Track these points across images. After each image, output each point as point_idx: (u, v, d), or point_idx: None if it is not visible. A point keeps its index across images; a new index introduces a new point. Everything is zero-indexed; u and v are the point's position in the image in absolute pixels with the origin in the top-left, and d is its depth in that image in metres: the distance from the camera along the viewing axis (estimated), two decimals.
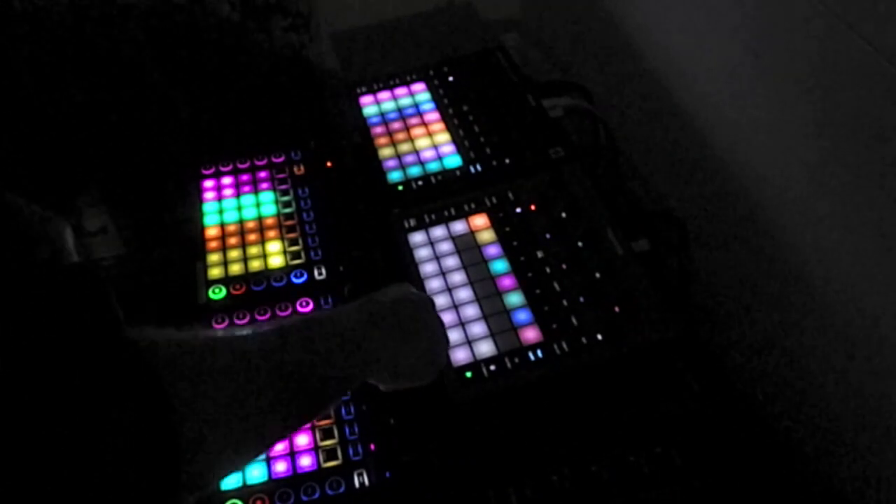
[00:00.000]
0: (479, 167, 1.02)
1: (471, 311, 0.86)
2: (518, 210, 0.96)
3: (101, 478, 0.41)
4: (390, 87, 1.16)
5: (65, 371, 0.42)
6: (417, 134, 1.08)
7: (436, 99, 1.13)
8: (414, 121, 1.10)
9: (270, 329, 0.58)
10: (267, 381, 0.54)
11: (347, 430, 0.80)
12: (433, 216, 0.97)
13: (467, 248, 0.93)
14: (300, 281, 0.94)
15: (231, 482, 0.77)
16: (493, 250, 0.92)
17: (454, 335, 0.84)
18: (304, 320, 0.64)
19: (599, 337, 0.82)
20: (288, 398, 0.56)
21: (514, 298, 0.87)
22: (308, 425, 0.81)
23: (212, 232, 1.01)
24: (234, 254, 0.98)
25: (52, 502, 0.39)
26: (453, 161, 1.03)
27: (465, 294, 0.88)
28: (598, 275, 0.87)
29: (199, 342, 0.53)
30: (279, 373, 0.55)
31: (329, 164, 1.09)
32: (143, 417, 0.44)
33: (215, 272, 0.96)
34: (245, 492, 0.76)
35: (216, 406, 0.49)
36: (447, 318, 0.85)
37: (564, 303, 0.85)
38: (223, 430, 0.50)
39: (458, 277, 0.90)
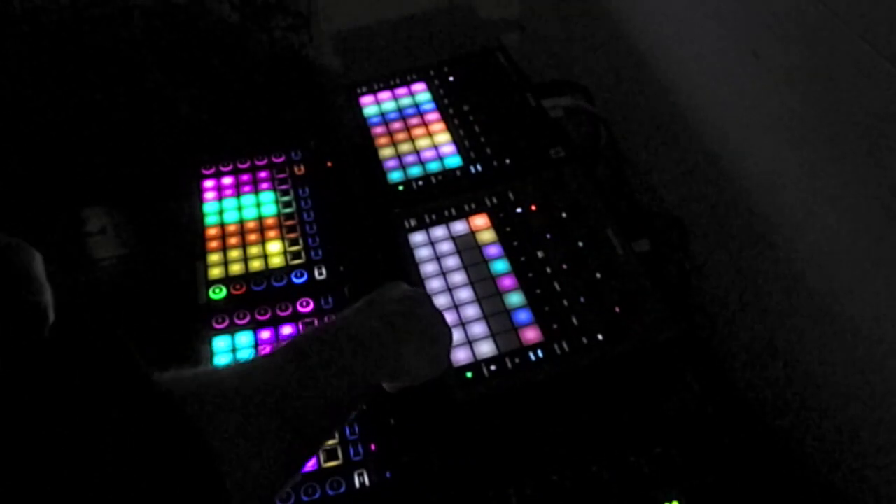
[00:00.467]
0: (479, 167, 1.02)
1: (471, 311, 0.86)
2: (518, 210, 0.96)
3: None
4: (390, 87, 1.16)
5: (99, 428, 0.41)
6: (417, 134, 1.08)
7: (436, 99, 1.13)
8: (414, 121, 1.10)
9: (288, 351, 0.58)
10: (294, 408, 0.54)
11: (347, 430, 0.80)
12: (433, 216, 0.97)
13: (468, 248, 0.93)
14: (300, 281, 0.94)
15: None
16: (493, 250, 0.92)
17: (455, 335, 0.84)
18: (317, 338, 0.63)
19: (599, 337, 0.82)
20: (313, 419, 0.56)
21: (515, 298, 0.87)
22: None
23: (212, 232, 1.01)
24: (234, 254, 0.98)
25: None
26: (453, 161, 1.03)
27: (465, 294, 0.88)
28: (598, 275, 0.87)
29: (220, 380, 0.53)
30: (304, 397, 0.56)
31: (329, 164, 1.09)
32: (186, 466, 0.44)
33: (215, 272, 0.96)
34: None
35: (245, 443, 0.49)
36: (448, 318, 0.85)
37: (565, 303, 0.85)
38: (254, 464, 0.50)
39: (458, 277, 0.90)
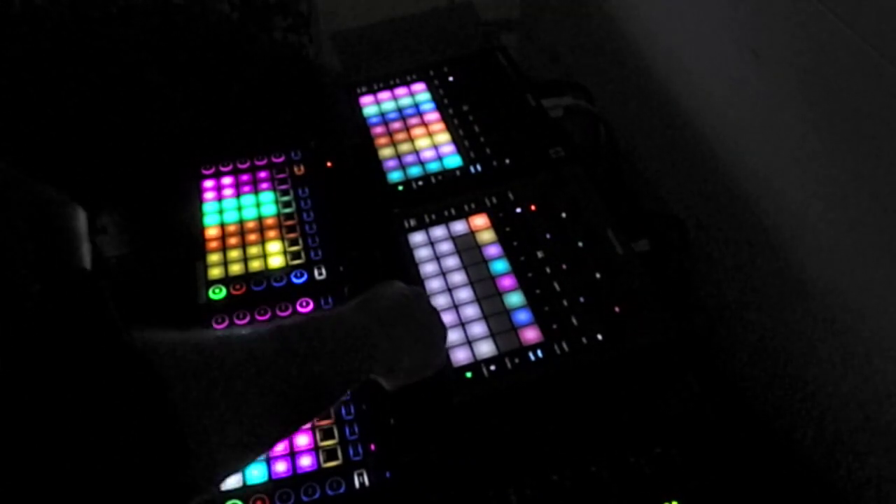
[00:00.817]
0: (479, 167, 1.02)
1: (471, 311, 0.86)
2: (518, 210, 0.96)
3: (105, 482, 0.41)
4: (390, 87, 1.16)
5: (64, 377, 0.41)
6: (417, 134, 1.08)
7: (436, 99, 1.13)
8: (414, 121, 1.10)
9: (272, 329, 0.58)
10: (271, 381, 0.54)
11: (347, 430, 0.80)
12: (433, 216, 0.97)
13: (467, 248, 0.93)
14: (300, 281, 0.94)
15: (231, 482, 0.77)
16: (493, 250, 0.92)
17: (454, 335, 0.84)
18: (305, 321, 0.64)
19: (599, 337, 0.82)
20: (292, 398, 0.56)
21: (515, 298, 0.87)
22: (308, 425, 0.81)
23: (212, 232, 1.01)
24: (234, 254, 0.98)
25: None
26: (453, 161, 1.03)
27: (465, 294, 0.88)
28: (598, 275, 0.87)
29: (202, 343, 0.53)
30: (283, 373, 0.55)
31: (329, 164, 1.09)
32: (146, 420, 0.43)
33: (215, 272, 0.96)
34: (245, 492, 0.76)
35: (219, 407, 0.49)
36: (447, 318, 0.85)
37: (564, 303, 0.85)
38: (227, 431, 0.49)
39: (458, 277, 0.90)
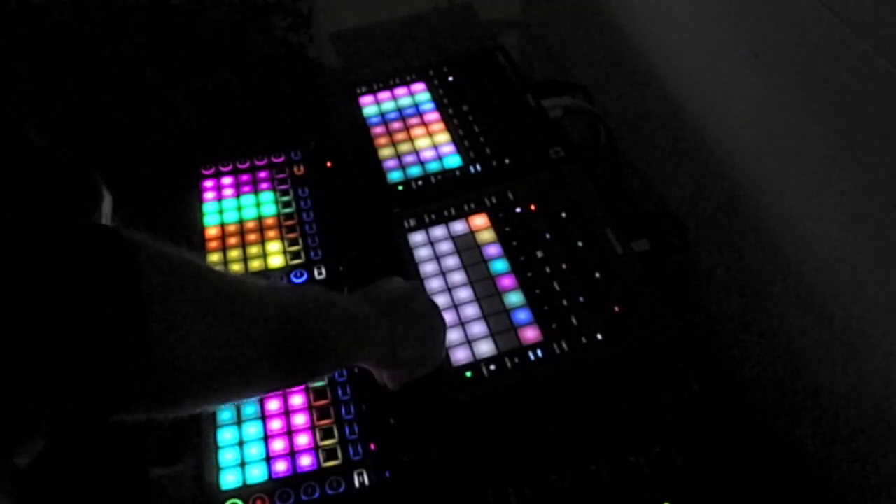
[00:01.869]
0: (479, 167, 1.02)
1: (471, 310, 0.86)
2: (518, 210, 0.96)
3: (60, 338, 0.41)
4: (390, 87, 1.16)
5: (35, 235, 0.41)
6: (417, 134, 1.08)
7: (436, 99, 1.13)
8: (414, 121, 1.10)
9: (268, 283, 0.58)
10: (252, 318, 0.53)
11: (347, 430, 0.80)
12: (433, 216, 0.97)
13: (467, 248, 0.93)
14: (300, 281, 0.94)
15: (231, 482, 0.77)
16: (493, 250, 0.92)
17: (454, 335, 0.84)
18: (303, 295, 0.64)
19: (599, 337, 0.82)
20: (273, 346, 0.55)
21: (514, 298, 0.87)
22: (308, 424, 0.81)
23: (212, 232, 1.01)
24: (234, 254, 0.98)
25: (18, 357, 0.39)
26: (453, 161, 1.03)
27: (465, 294, 0.88)
28: (598, 275, 0.87)
29: (201, 263, 0.53)
30: (267, 317, 0.55)
31: (329, 164, 1.09)
32: (110, 294, 0.43)
33: None
34: (245, 492, 0.76)
35: (191, 312, 0.49)
36: (447, 318, 0.85)
37: (564, 303, 0.85)
38: (193, 339, 0.48)
39: (458, 277, 0.90)
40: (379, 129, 1.10)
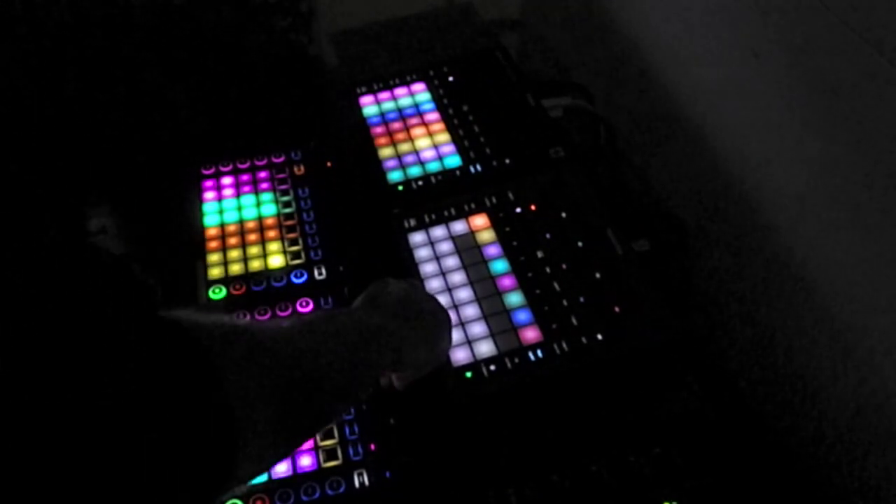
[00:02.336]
0: (479, 167, 1.02)
1: (471, 311, 0.86)
2: (518, 210, 0.96)
3: (153, 474, 0.39)
4: (390, 87, 1.16)
5: (110, 358, 0.39)
6: (417, 134, 1.08)
7: (436, 99, 1.13)
8: (414, 121, 1.10)
9: (298, 324, 0.58)
10: (305, 374, 0.53)
11: (347, 430, 0.80)
12: (433, 216, 0.97)
13: (467, 248, 0.93)
14: (300, 281, 0.94)
15: None
16: (493, 250, 0.92)
17: (454, 335, 0.84)
18: (326, 316, 0.64)
19: (599, 337, 0.82)
20: (325, 391, 0.55)
21: (514, 298, 0.87)
22: None
23: (212, 232, 1.01)
24: (234, 254, 0.98)
25: (103, 489, 0.37)
26: (453, 161, 1.03)
27: (465, 294, 0.88)
28: (598, 275, 0.87)
29: (251, 330, 0.52)
30: (316, 366, 0.55)
31: (329, 164, 1.09)
32: (199, 412, 0.41)
33: (215, 272, 0.96)
34: (245, 492, 0.76)
35: (268, 399, 0.48)
36: None
37: (564, 303, 0.85)
38: (270, 425, 0.48)
39: (458, 277, 0.90)
40: (379, 129, 1.10)
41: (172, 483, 0.40)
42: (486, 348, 0.83)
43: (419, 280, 0.90)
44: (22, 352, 0.36)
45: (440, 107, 1.11)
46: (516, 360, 0.81)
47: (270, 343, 0.52)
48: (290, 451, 0.56)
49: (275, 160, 1.10)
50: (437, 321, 0.73)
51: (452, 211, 0.97)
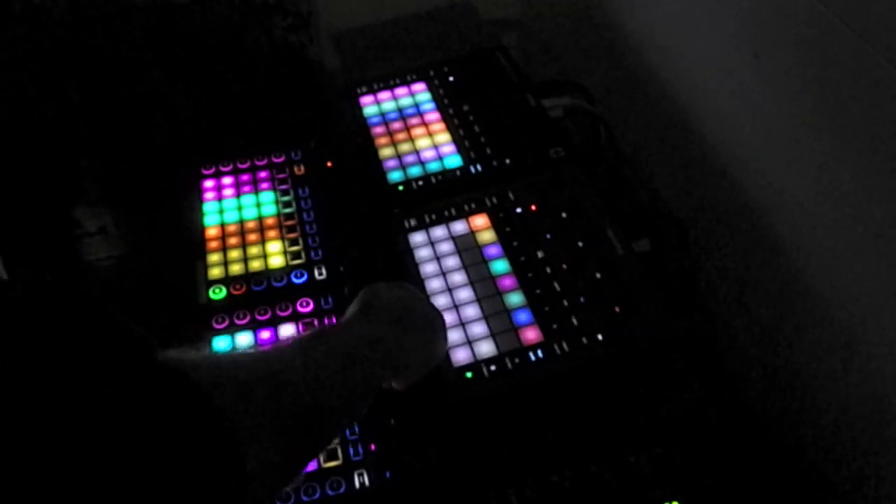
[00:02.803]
0: (479, 167, 1.02)
1: (471, 311, 0.86)
2: (518, 210, 0.96)
3: None
4: (390, 87, 1.16)
5: (113, 408, 0.39)
6: (417, 134, 1.08)
7: (436, 99, 1.13)
8: (414, 121, 1.10)
9: (293, 345, 0.58)
10: (304, 395, 0.53)
11: (347, 430, 0.80)
12: (433, 216, 0.97)
13: (467, 248, 0.93)
14: (300, 281, 0.94)
15: None
16: (493, 250, 0.92)
17: (454, 335, 0.84)
18: (320, 333, 0.64)
19: (599, 337, 0.82)
20: (324, 410, 0.56)
21: (515, 298, 0.87)
22: None
23: (212, 232, 1.01)
24: (234, 254, 0.98)
25: None
26: (453, 161, 1.03)
27: (465, 294, 0.88)
28: (598, 275, 0.87)
29: (241, 360, 0.52)
30: (314, 385, 0.55)
31: (329, 164, 1.09)
32: (208, 450, 0.42)
33: (215, 272, 0.96)
34: None
35: (269, 426, 0.48)
36: (447, 318, 0.85)
37: (564, 303, 0.85)
38: (276, 451, 0.48)
39: (458, 277, 0.90)
40: (379, 129, 1.10)
41: None
42: (486, 348, 0.83)
43: (419, 280, 0.90)
44: (20, 406, 0.36)
45: (440, 107, 1.11)
46: (516, 360, 0.81)
47: (268, 375, 0.52)
48: (295, 477, 0.56)
49: (275, 160, 1.10)
50: (431, 324, 0.73)
51: (452, 211, 0.97)
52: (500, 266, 0.90)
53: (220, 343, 0.88)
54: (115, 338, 0.43)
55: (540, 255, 0.90)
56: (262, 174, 1.08)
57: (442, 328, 0.75)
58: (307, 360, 0.56)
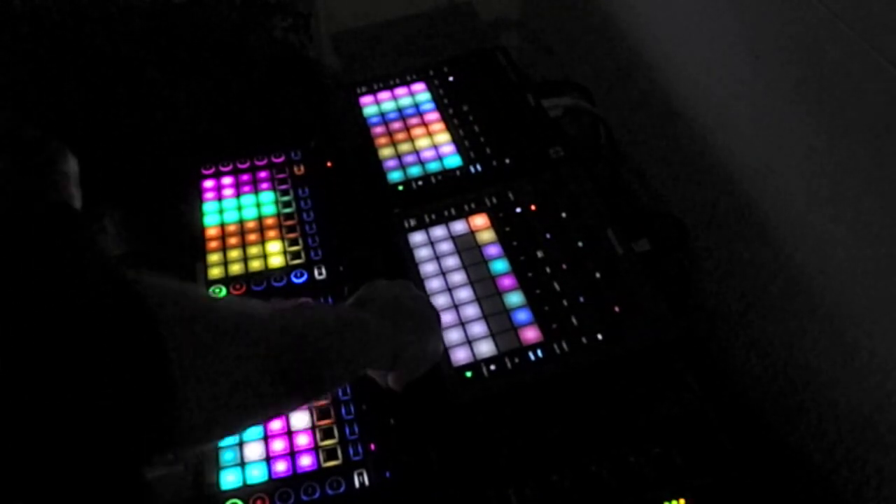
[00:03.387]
0: (479, 167, 1.02)
1: (471, 311, 0.86)
2: (518, 210, 0.96)
3: (86, 411, 0.39)
4: (390, 87, 1.16)
5: (45, 301, 0.39)
6: (417, 134, 1.08)
7: (436, 99, 1.13)
8: (414, 121, 1.10)
9: (271, 309, 0.58)
10: (268, 348, 0.53)
11: (347, 430, 0.80)
12: (433, 216, 0.97)
13: (467, 248, 0.93)
14: (300, 281, 0.94)
15: (231, 482, 0.77)
16: (493, 250, 0.92)
17: (454, 335, 0.84)
18: (301, 304, 0.64)
19: (599, 337, 0.82)
20: (289, 372, 0.55)
21: (514, 298, 0.87)
22: (308, 424, 0.81)
23: (212, 232, 1.01)
24: (234, 254, 0.98)
25: (36, 443, 0.38)
26: (453, 161, 1.03)
27: (465, 294, 0.88)
28: (598, 275, 0.87)
29: (205, 297, 0.52)
30: (281, 345, 0.55)
31: (329, 164, 1.09)
32: (133, 353, 0.42)
33: (215, 272, 0.96)
34: (245, 492, 0.76)
35: (216, 357, 0.48)
36: (447, 317, 0.85)
37: (564, 303, 0.85)
38: (221, 385, 0.48)
39: (458, 277, 0.90)
40: (379, 129, 1.10)
41: (100, 425, 0.40)
42: (486, 348, 0.83)
43: (419, 279, 0.90)
44: None
45: (440, 107, 1.11)
46: (516, 360, 0.81)
47: (237, 321, 0.52)
48: (247, 420, 0.55)
49: (275, 160, 1.10)
50: (427, 321, 0.73)
51: (452, 211, 0.97)
52: (500, 266, 0.90)
53: None
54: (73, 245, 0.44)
55: (540, 254, 0.90)
56: (262, 174, 1.08)
57: (436, 327, 0.75)
58: (283, 323, 0.56)
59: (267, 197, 1.05)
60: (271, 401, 0.56)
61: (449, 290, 0.89)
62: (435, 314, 0.76)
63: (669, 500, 0.73)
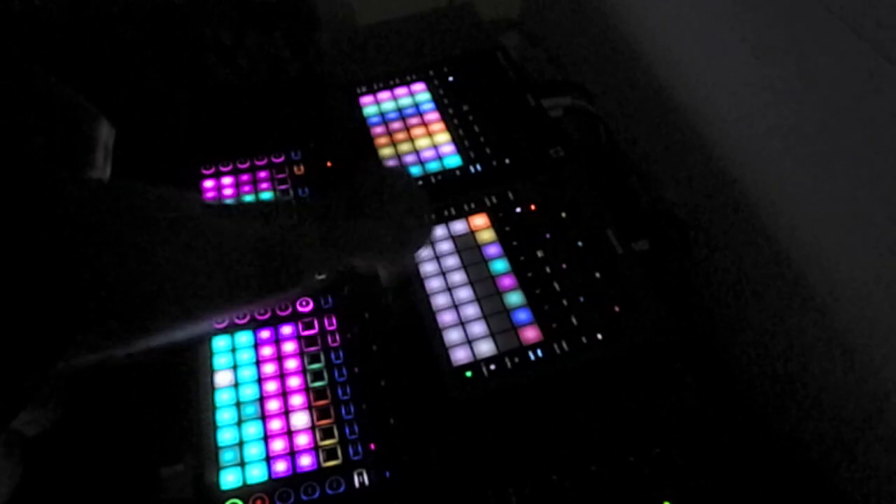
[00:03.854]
0: (479, 167, 1.02)
1: (471, 310, 0.87)
2: (518, 210, 0.96)
3: None
4: (390, 87, 1.16)
5: None
6: (417, 134, 1.08)
7: (436, 99, 1.13)
8: (414, 121, 1.10)
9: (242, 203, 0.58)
10: (235, 242, 0.53)
11: (347, 430, 0.80)
12: (433, 216, 0.97)
13: (467, 247, 0.93)
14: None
15: (231, 482, 0.77)
16: (493, 250, 0.92)
17: (455, 334, 0.84)
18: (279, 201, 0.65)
19: (599, 337, 0.82)
20: (254, 260, 0.55)
21: (514, 298, 0.87)
22: (308, 424, 0.81)
23: None
24: None
25: None
26: (453, 161, 1.03)
27: (465, 294, 0.88)
28: (598, 275, 0.87)
29: (174, 197, 0.52)
30: (247, 231, 0.55)
31: (329, 164, 1.09)
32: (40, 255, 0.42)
33: None
34: (245, 492, 0.76)
35: (175, 253, 0.48)
36: (447, 317, 0.85)
37: (564, 303, 0.85)
38: (183, 279, 0.48)
39: (458, 277, 0.90)
40: (379, 129, 1.10)
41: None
42: (486, 348, 0.83)
43: (419, 280, 0.90)
44: None
45: (440, 107, 1.11)
46: (516, 360, 0.81)
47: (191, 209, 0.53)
48: (209, 314, 0.55)
49: (275, 160, 1.10)
50: (408, 208, 0.74)
51: (452, 211, 0.97)
52: (500, 265, 0.90)
53: (220, 343, 0.88)
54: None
55: (539, 254, 0.90)
56: (262, 174, 1.08)
57: (423, 208, 0.76)
58: (225, 210, 0.57)
59: (267, 197, 1.04)
60: (223, 296, 0.55)
61: (449, 289, 0.89)
62: (423, 198, 0.76)
63: (669, 501, 0.73)
